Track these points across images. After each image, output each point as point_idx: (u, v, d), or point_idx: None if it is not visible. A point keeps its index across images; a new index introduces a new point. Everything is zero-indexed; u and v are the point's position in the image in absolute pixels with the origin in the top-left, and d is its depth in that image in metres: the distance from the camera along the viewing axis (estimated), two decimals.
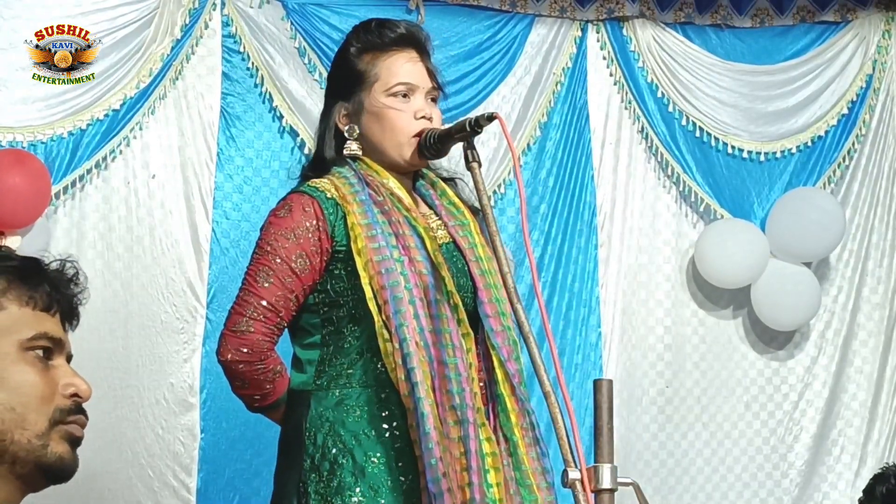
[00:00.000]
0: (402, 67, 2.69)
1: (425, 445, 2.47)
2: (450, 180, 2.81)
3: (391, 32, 2.71)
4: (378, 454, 2.57)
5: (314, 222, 2.61)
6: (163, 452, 4.33)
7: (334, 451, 2.58)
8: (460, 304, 2.59)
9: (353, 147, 2.70)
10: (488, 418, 2.64)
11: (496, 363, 2.60)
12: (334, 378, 2.63)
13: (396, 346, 2.51)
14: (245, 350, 2.62)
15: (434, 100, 2.72)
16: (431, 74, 2.72)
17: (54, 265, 1.74)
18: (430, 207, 2.74)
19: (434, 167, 2.80)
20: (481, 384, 2.67)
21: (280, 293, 2.60)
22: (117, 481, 4.29)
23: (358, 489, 2.54)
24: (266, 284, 2.60)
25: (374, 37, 2.72)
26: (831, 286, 5.20)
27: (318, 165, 2.75)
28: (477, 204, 2.63)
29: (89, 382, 1.68)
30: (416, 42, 2.73)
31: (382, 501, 2.54)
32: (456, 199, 2.75)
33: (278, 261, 2.60)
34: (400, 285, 2.53)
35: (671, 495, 4.96)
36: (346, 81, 2.73)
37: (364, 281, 2.55)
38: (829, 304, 5.19)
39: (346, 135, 2.71)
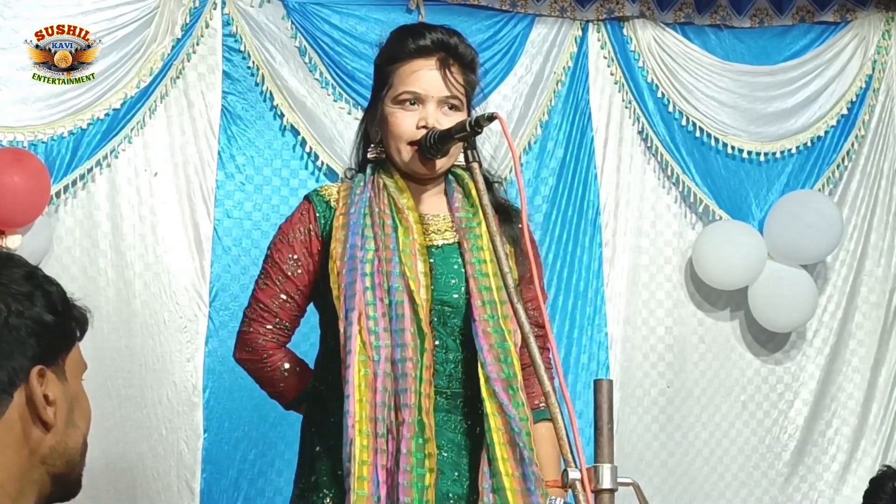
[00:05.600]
0: (412, 76, 2.69)
1: (344, 441, 2.52)
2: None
3: (412, 43, 2.71)
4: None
5: (307, 225, 2.73)
6: (167, 453, 4.33)
7: (318, 448, 2.67)
8: (423, 304, 2.59)
9: (372, 152, 2.76)
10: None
11: (479, 366, 2.60)
12: (325, 379, 2.70)
13: (342, 343, 2.57)
14: (248, 349, 2.80)
15: (454, 107, 2.70)
16: (447, 82, 2.69)
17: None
18: (451, 209, 2.76)
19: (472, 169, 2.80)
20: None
21: (274, 294, 2.74)
22: (122, 481, 4.29)
23: (334, 490, 2.61)
24: (263, 287, 2.77)
25: (396, 45, 2.74)
26: (829, 287, 5.20)
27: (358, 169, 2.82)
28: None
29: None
30: (440, 49, 2.71)
31: None
32: (477, 201, 2.74)
33: (273, 264, 2.75)
34: (356, 284, 2.58)
35: (671, 495, 4.97)
36: (374, 88, 2.80)
37: (332, 281, 2.63)
38: (826, 305, 5.19)
39: (370, 138, 2.77)
